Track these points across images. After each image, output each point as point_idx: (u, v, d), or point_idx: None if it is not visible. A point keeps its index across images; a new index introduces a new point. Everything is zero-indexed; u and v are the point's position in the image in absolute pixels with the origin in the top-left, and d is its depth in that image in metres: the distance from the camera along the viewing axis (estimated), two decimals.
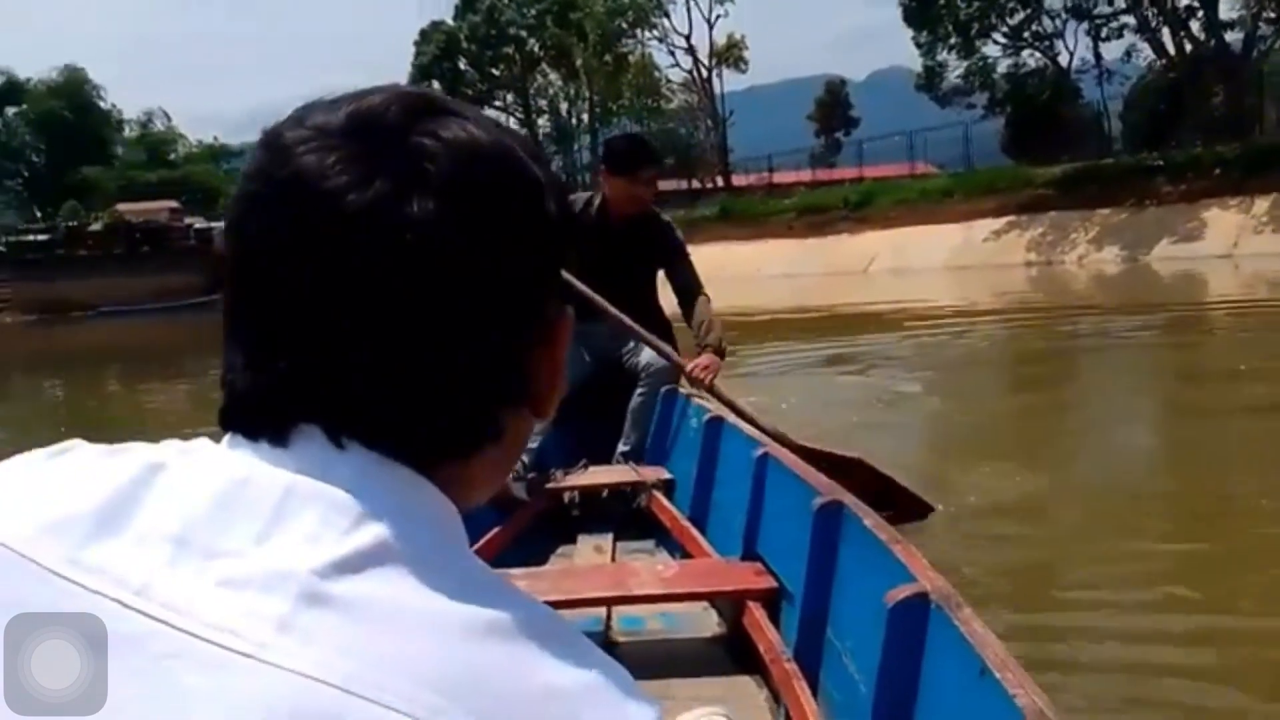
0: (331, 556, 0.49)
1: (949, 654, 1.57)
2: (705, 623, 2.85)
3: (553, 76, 53.55)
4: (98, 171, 54.77)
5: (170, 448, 0.55)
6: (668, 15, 46.44)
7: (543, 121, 54.16)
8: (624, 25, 47.16)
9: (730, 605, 2.73)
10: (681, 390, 4.04)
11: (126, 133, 64.21)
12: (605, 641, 2.64)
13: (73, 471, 0.55)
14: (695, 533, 3.25)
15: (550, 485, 3.73)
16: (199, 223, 42.36)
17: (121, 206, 44.63)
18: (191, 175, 56.97)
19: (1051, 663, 3.01)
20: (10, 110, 60.13)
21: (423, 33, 53.28)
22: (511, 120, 53.97)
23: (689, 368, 3.99)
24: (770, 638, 2.38)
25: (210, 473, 0.53)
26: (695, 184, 45.80)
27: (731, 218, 34.90)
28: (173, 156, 61.46)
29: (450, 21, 52.97)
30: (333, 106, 0.56)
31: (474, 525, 3.10)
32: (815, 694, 2.13)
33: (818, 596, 2.24)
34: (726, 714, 1.89)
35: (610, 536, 3.57)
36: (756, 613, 2.50)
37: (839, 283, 23.84)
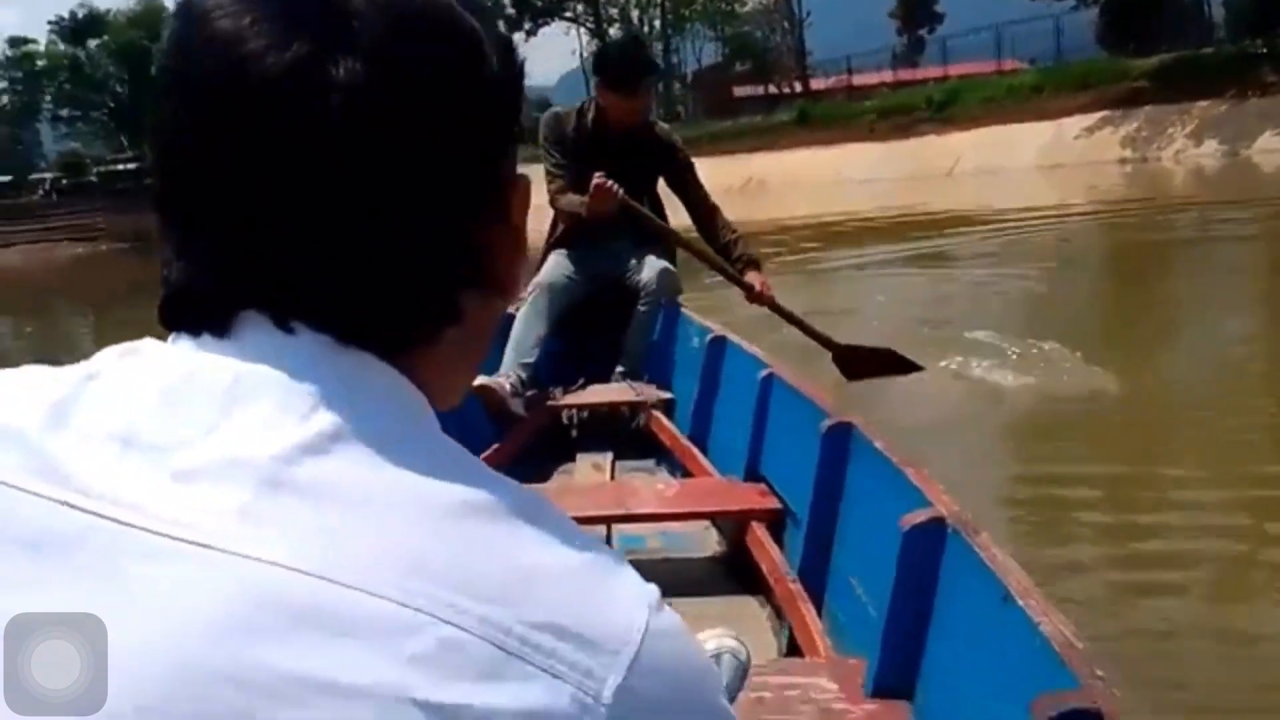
0: (292, 441, 0.46)
1: (968, 581, 1.50)
2: (706, 542, 2.81)
3: None
4: None
5: (111, 352, 0.52)
6: None
7: (614, 31, 53.31)
8: None
9: (732, 525, 2.66)
10: (682, 308, 3.95)
11: None
12: None
13: (8, 389, 0.51)
14: (696, 452, 3.17)
15: (549, 403, 3.66)
16: None
17: None
18: None
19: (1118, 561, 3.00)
20: (92, 43, 61.58)
21: None
22: (583, 31, 53.40)
23: (749, 286, 3.95)
24: (774, 557, 2.31)
25: (153, 370, 0.50)
26: (772, 89, 44.97)
27: (810, 122, 34.32)
28: None
29: None
30: None
31: (472, 443, 3.04)
32: (820, 614, 2.08)
33: (824, 519, 2.16)
34: (736, 636, 1.75)
35: (610, 455, 3.50)
36: (759, 533, 2.43)
37: (922, 186, 23.24)
